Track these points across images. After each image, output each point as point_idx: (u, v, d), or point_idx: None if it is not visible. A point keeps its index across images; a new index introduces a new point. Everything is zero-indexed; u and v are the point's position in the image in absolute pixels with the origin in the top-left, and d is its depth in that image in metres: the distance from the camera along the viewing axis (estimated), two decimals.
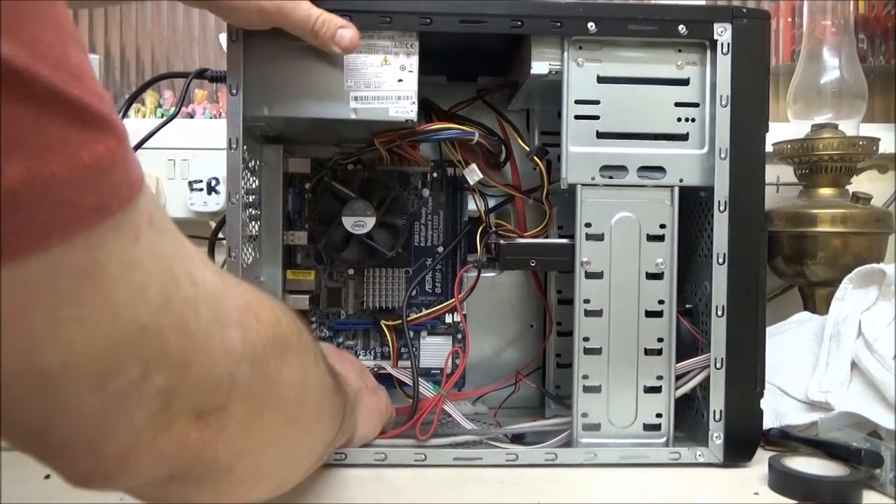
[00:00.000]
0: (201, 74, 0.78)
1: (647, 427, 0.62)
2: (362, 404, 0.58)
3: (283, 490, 0.43)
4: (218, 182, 0.92)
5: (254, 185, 0.70)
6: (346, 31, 0.57)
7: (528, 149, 0.71)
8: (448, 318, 0.77)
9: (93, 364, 0.26)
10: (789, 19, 1.08)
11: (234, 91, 0.59)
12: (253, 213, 0.70)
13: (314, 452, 0.45)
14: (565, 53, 0.61)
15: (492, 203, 0.77)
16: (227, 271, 0.38)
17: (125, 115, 0.73)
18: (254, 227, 0.71)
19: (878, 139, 0.81)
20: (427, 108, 0.73)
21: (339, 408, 0.47)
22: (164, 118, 0.75)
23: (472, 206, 0.76)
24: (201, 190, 0.92)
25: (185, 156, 0.93)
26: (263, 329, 0.35)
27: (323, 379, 0.43)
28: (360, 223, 0.71)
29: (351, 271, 0.77)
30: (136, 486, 0.31)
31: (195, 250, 0.32)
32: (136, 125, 0.74)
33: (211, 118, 1.06)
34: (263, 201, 0.73)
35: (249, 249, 0.69)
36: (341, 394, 0.48)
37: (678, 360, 0.62)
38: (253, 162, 0.69)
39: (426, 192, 0.77)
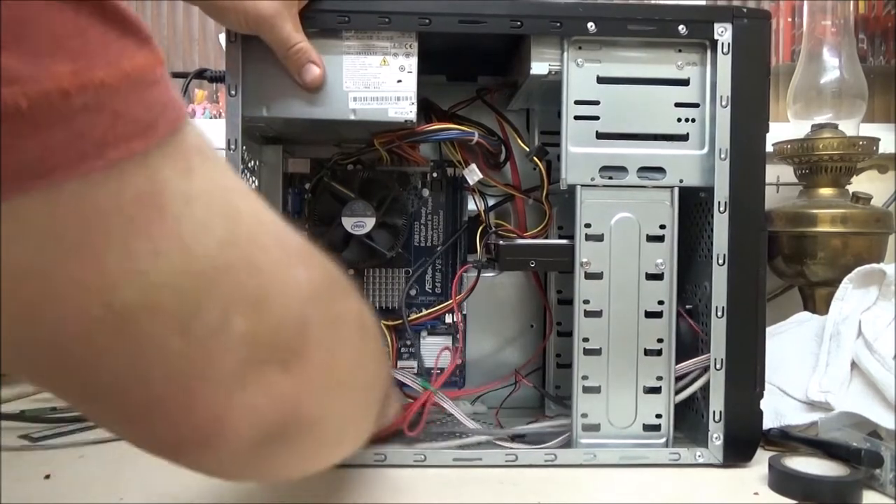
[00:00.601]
0: (201, 74, 0.78)
1: (647, 428, 0.61)
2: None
3: (357, 446, 0.41)
4: None
5: (253, 186, 0.70)
6: (314, 68, 0.57)
7: (527, 149, 0.70)
8: (448, 319, 0.77)
9: (173, 299, 0.24)
10: (789, 19, 1.07)
11: (232, 92, 0.59)
12: None
13: (377, 402, 0.43)
14: (565, 54, 0.60)
15: (492, 203, 0.76)
16: None
17: None
18: None
19: (878, 139, 0.81)
20: (427, 108, 0.73)
21: (384, 369, 0.45)
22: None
23: (472, 206, 0.76)
24: None
25: None
26: (322, 269, 0.33)
27: (374, 324, 0.42)
28: (359, 223, 0.71)
29: (351, 271, 0.76)
30: (226, 456, 0.29)
31: (247, 187, 0.30)
32: None
33: (211, 118, 1.05)
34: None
35: None
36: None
37: (679, 359, 0.61)
38: (252, 162, 0.69)
39: (426, 193, 0.77)
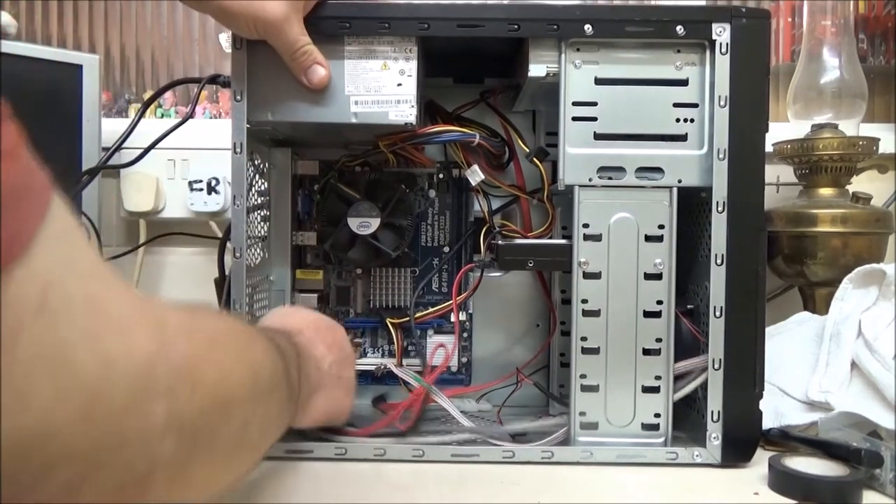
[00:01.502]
0: (214, 80, 0.76)
1: (646, 427, 0.59)
2: (312, 402, 0.53)
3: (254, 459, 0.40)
4: (218, 182, 0.89)
5: (263, 188, 0.69)
6: (320, 69, 0.57)
7: (528, 150, 0.67)
8: (453, 317, 0.74)
9: None
10: (789, 19, 1.05)
11: (238, 97, 0.59)
12: (262, 214, 0.69)
13: (252, 466, 0.41)
14: (562, 56, 0.58)
15: (497, 203, 0.74)
16: (189, 310, 0.33)
17: (140, 118, 0.71)
18: (263, 228, 0.69)
19: (878, 139, 0.78)
20: (432, 109, 0.71)
21: (284, 418, 0.44)
22: (178, 121, 0.73)
23: (477, 206, 0.73)
24: (201, 190, 0.89)
25: (185, 156, 0.91)
26: (202, 392, 0.30)
27: (276, 413, 0.40)
28: (365, 224, 0.69)
29: (359, 271, 0.75)
30: None
31: (127, 300, 0.27)
32: (143, 126, 0.72)
33: (211, 118, 1.04)
34: (273, 203, 0.72)
35: (258, 250, 0.68)
36: (291, 404, 0.45)
37: (680, 360, 0.59)
38: (262, 164, 0.68)
39: (432, 193, 0.75)
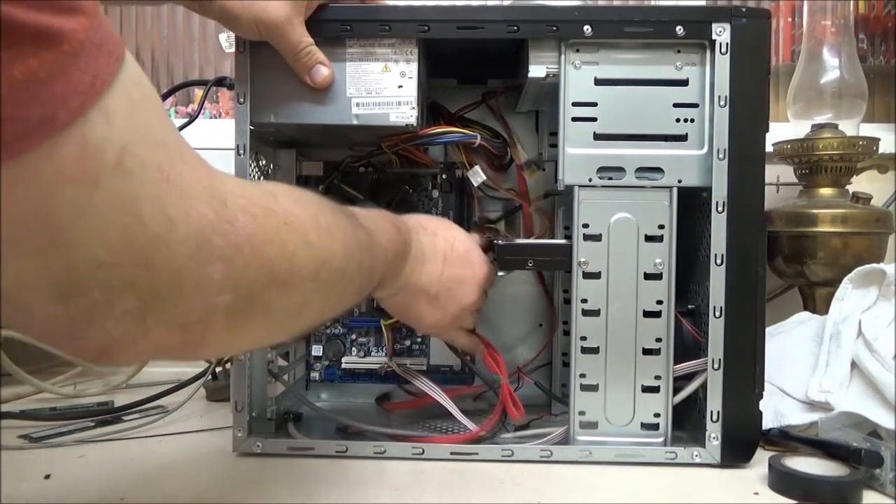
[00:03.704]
0: (220, 82, 0.76)
1: (645, 426, 0.58)
2: (400, 294, 0.55)
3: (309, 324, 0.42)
4: None
5: None
6: (323, 69, 0.57)
7: (523, 156, 0.67)
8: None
9: (48, 285, 0.26)
10: (789, 19, 1.03)
11: (241, 100, 0.58)
12: None
13: (308, 331, 0.44)
14: (562, 56, 0.57)
15: (498, 205, 0.74)
16: (268, 193, 0.36)
17: None
18: None
19: (878, 139, 0.77)
20: (436, 110, 0.71)
21: (349, 303, 0.45)
22: (184, 121, 0.73)
23: (483, 206, 0.74)
24: None
25: None
26: (258, 265, 0.33)
27: (339, 300, 0.42)
28: None
29: None
30: (141, 355, 0.31)
31: (201, 173, 0.30)
32: None
33: (211, 118, 1.03)
34: None
35: None
36: (364, 291, 0.47)
37: (681, 360, 0.58)
38: (267, 165, 0.68)
39: (435, 194, 0.74)
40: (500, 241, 0.61)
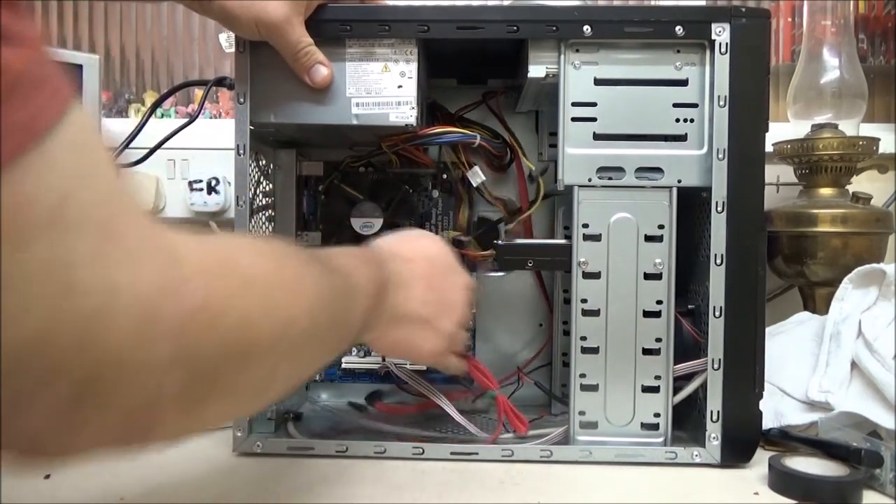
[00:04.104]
0: (220, 82, 0.76)
1: (645, 426, 0.58)
2: (390, 330, 0.50)
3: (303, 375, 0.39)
4: (218, 182, 0.89)
5: (268, 188, 0.69)
6: (323, 69, 0.56)
7: (531, 167, 0.68)
8: None
9: None
10: (789, 19, 1.03)
11: (241, 100, 0.58)
12: (268, 214, 0.69)
13: (278, 400, 0.40)
14: (562, 56, 0.57)
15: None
16: (226, 246, 0.32)
17: (148, 119, 0.71)
18: (268, 228, 0.69)
19: (878, 139, 0.76)
20: (435, 110, 0.71)
21: (327, 358, 0.42)
22: (184, 121, 0.73)
23: (483, 206, 0.74)
24: (201, 190, 0.89)
25: (185, 156, 0.90)
26: (217, 335, 0.29)
27: (314, 358, 0.38)
28: (367, 224, 0.70)
29: None
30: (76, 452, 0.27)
31: (151, 230, 0.26)
32: (150, 127, 0.72)
33: (211, 118, 1.03)
34: (278, 203, 0.72)
35: None
36: (345, 341, 0.43)
37: (681, 361, 0.58)
38: (267, 165, 0.68)
39: (435, 194, 0.74)
40: (500, 242, 0.61)
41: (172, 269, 0.27)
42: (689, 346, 0.59)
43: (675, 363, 0.58)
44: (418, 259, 0.52)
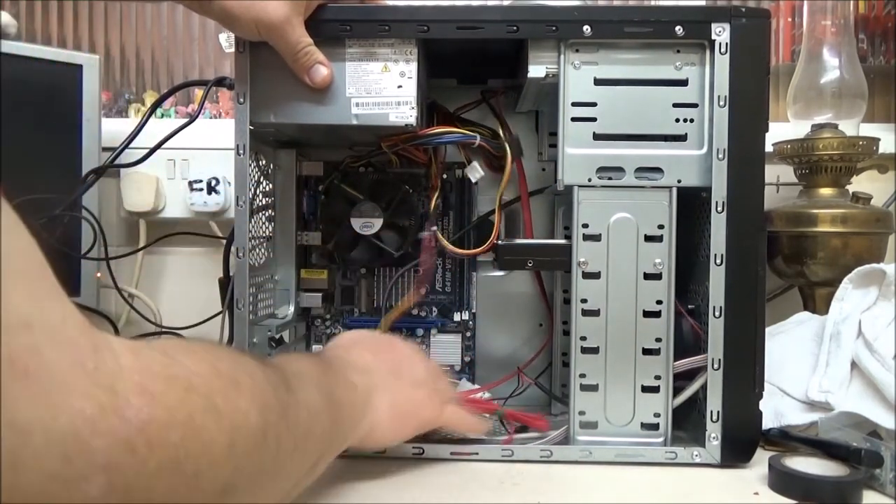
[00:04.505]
0: (220, 82, 0.76)
1: (645, 426, 0.58)
2: (373, 407, 0.49)
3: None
4: (218, 182, 0.89)
5: (268, 188, 0.69)
6: (322, 69, 0.56)
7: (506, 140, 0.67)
8: (457, 317, 0.75)
9: None
10: (789, 19, 1.03)
11: (241, 100, 0.58)
12: (268, 214, 0.69)
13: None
14: (562, 56, 0.57)
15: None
16: (164, 352, 0.29)
17: (148, 119, 0.71)
18: (268, 228, 0.69)
19: (878, 139, 0.77)
20: (435, 110, 0.71)
21: (307, 456, 0.39)
22: (184, 121, 0.73)
23: (483, 206, 0.74)
24: (201, 190, 0.89)
25: (185, 156, 0.90)
26: (161, 455, 0.26)
27: (277, 461, 0.34)
28: (367, 224, 0.70)
29: (363, 271, 0.76)
30: None
31: (82, 353, 0.24)
32: (150, 127, 0.72)
33: (211, 118, 1.03)
34: (278, 203, 0.72)
35: (264, 250, 0.68)
36: (330, 418, 0.41)
37: (681, 358, 0.58)
38: (267, 166, 0.68)
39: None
40: (500, 242, 0.61)
41: (106, 396, 0.24)
42: (688, 344, 0.59)
43: (676, 360, 0.58)
44: (342, 342, 0.54)
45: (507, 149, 0.65)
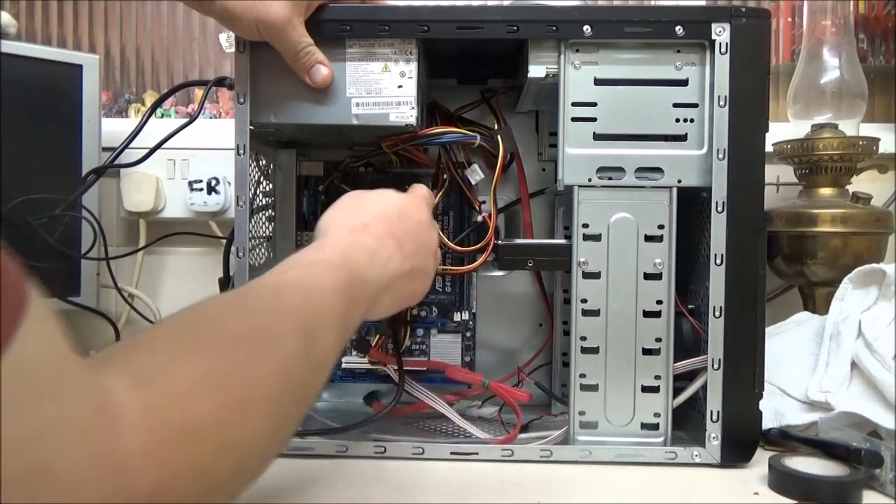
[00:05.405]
0: (220, 82, 0.76)
1: (645, 426, 0.58)
2: (382, 298, 0.48)
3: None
4: (218, 182, 0.89)
5: (268, 188, 0.69)
6: (323, 69, 0.56)
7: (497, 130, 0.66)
8: (457, 317, 0.74)
9: None
10: (789, 19, 1.03)
11: (241, 100, 0.58)
12: (268, 214, 0.69)
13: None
14: (562, 56, 0.57)
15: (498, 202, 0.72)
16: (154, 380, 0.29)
17: (148, 119, 0.71)
18: (268, 228, 0.69)
19: (878, 139, 0.76)
20: (435, 110, 0.71)
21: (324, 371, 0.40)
22: (184, 121, 0.73)
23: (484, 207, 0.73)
24: (201, 190, 0.89)
25: (185, 156, 0.90)
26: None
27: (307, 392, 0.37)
28: None
29: None
30: None
31: (91, 442, 0.24)
32: (150, 127, 0.72)
33: (211, 118, 1.03)
34: (278, 203, 0.72)
35: (264, 250, 0.68)
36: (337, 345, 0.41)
37: (681, 359, 0.58)
38: (267, 166, 0.68)
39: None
40: (500, 242, 0.61)
41: (109, 480, 0.24)
42: (689, 345, 0.59)
43: (676, 361, 0.58)
44: (372, 220, 0.50)
45: (499, 140, 0.64)
